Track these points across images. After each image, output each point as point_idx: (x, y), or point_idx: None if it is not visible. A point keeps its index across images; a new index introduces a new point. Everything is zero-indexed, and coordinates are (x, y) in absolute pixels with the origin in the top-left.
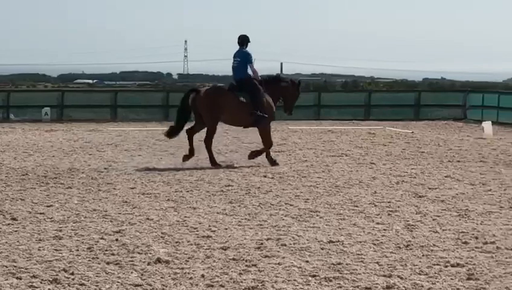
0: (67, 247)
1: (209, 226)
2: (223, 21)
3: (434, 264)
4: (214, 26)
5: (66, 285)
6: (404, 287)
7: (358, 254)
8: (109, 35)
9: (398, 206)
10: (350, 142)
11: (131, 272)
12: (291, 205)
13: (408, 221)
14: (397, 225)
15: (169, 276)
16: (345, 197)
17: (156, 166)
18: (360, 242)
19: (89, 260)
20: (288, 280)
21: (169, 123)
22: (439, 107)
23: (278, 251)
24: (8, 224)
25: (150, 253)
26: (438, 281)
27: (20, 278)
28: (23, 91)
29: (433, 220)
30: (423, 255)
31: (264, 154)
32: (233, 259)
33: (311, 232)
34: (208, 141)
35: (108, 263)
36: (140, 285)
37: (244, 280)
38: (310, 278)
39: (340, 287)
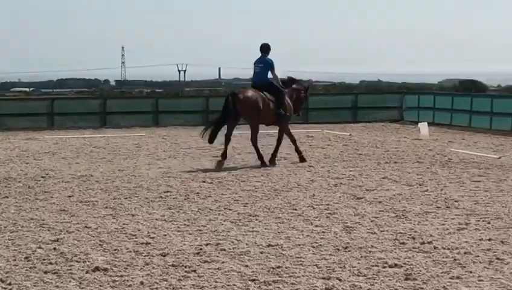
0: (4, 257)
1: (148, 232)
2: (159, 28)
3: (372, 266)
4: (151, 32)
5: None
6: (342, 289)
7: (297, 257)
8: (45, 44)
9: (337, 209)
10: (288, 145)
11: (70, 281)
12: (230, 209)
13: (346, 223)
14: (336, 227)
15: (108, 284)
16: (284, 200)
17: (94, 173)
18: (299, 245)
19: (27, 270)
20: (228, 285)
21: (107, 130)
22: (376, 109)
23: (217, 256)
24: None
25: (89, 261)
26: (376, 282)
27: None
28: None
29: (371, 221)
30: (361, 257)
31: (294, 149)
32: (173, 265)
33: (251, 236)
34: (255, 140)
35: (46, 272)
36: None
37: (184, 286)
38: (249, 283)
39: None
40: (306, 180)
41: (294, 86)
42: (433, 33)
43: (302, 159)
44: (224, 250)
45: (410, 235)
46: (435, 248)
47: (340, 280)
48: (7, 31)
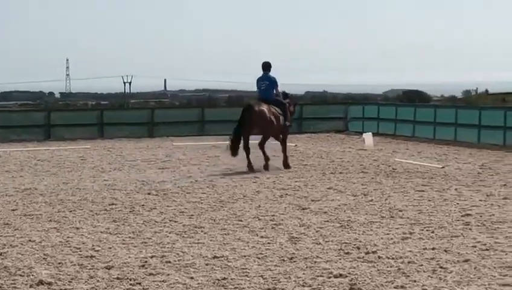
0: None
1: (93, 245)
2: (105, 40)
3: (317, 276)
4: (96, 44)
5: None
6: None
7: (243, 268)
8: None
9: (282, 219)
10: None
11: None
12: (175, 221)
13: (292, 233)
14: (281, 238)
15: None
16: (229, 212)
17: (38, 187)
18: (245, 256)
19: None
20: None
21: (51, 143)
22: (321, 120)
23: (163, 268)
24: None
25: (32, 275)
26: None
27: None
28: None
29: (316, 231)
30: (307, 267)
31: (283, 159)
32: (118, 278)
33: (196, 248)
34: (263, 145)
35: None
36: None
37: None
38: None
39: None
40: (252, 191)
41: (287, 100)
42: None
43: (287, 166)
44: (170, 262)
45: (354, 245)
46: (379, 257)
47: None
48: None
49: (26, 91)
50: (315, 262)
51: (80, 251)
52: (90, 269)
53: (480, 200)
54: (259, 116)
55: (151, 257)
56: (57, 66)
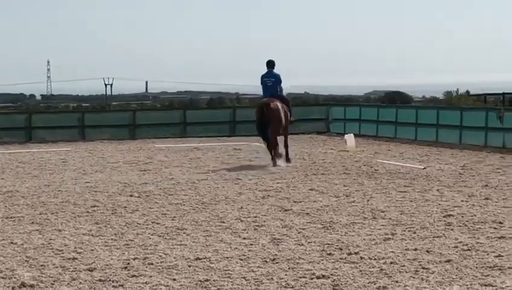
0: None
1: (75, 247)
2: (85, 41)
3: (300, 277)
4: (77, 46)
5: None
6: None
7: (225, 270)
8: None
9: (264, 221)
10: (216, 158)
11: None
12: (158, 223)
13: (274, 235)
14: (263, 239)
15: None
16: (212, 213)
17: (20, 189)
18: (227, 258)
19: None
20: None
21: (32, 145)
22: (303, 121)
23: (145, 270)
24: None
25: (15, 277)
26: None
27: None
28: None
29: (299, 233)
30: (289, 269)
31: (278, 152)
32: (100, 280)
33: (178, 250)
34: (274, 138)
35: None
36: None
37: None
38: None
39: None
40: (234, 193)
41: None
42: (362, 46)
43: (288, 160)
44: (152, 264)
45: (337, 246)
46: (362, 258)
47: None
48: None
49: (7, 93)
50: (297, 263)
51: (62, 253)
52: (72, 271)
53: (462, 201)
54: (276, 113)
55: (134, 258)
56: (38, 68)
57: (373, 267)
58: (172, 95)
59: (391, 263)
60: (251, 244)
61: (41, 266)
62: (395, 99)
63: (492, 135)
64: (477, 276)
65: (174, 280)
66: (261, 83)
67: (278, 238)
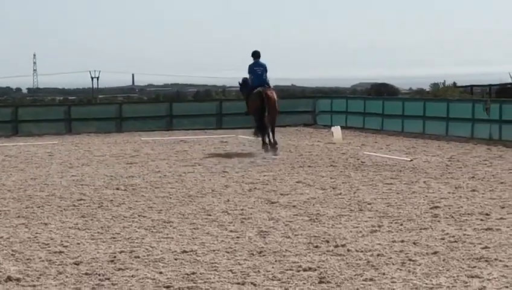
0: None
1: (61, 241)
2: (73, 34)
3: (286, 270)
4: (63, 38)
5: None
6: None
7: (212, 263)
8: None
9: (251, 213)
10: (203, 151)
11: None
12: (144, 216)
13: (261, 227)
14: (250, 232)
15: None
16: (198, 206)
17: (6, 182)
18: (214, 251)
19: None
20: None
21: (18, 138)
22: (289, 114)
23: (132, 263)
24: None
25: (1, 271)
26: (290, 286)
27: None
28: None
29: (286, 225)
30: (276, 261)
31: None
32: (86, 274)
33: (165, 243)
34: (274, 128)
35: None
36: None
37: None
38: (163, 289)
39: None
40: (220, 185)
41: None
42: (345, 39)
43: (274, 143)
44: (139, 257)
45: (324, 238)
46: (349, 250)
47: (254, 284)
48: None
49: None
50: (284, 256)
51: (49, 247)
52: (58, 264)
53: (449, 193)
54: (273, 100)
55: (120, 252)
56: (24, 61)
57: (360, 260)
58: (159, 87)
59: (378, 255)
60: (238, 237)
61: (28, 259)
62: (382, 91)
63: (478, 126)
64: (464, 267)
65: (161, 273)
66: (250, 72)
67: (265, 231)
